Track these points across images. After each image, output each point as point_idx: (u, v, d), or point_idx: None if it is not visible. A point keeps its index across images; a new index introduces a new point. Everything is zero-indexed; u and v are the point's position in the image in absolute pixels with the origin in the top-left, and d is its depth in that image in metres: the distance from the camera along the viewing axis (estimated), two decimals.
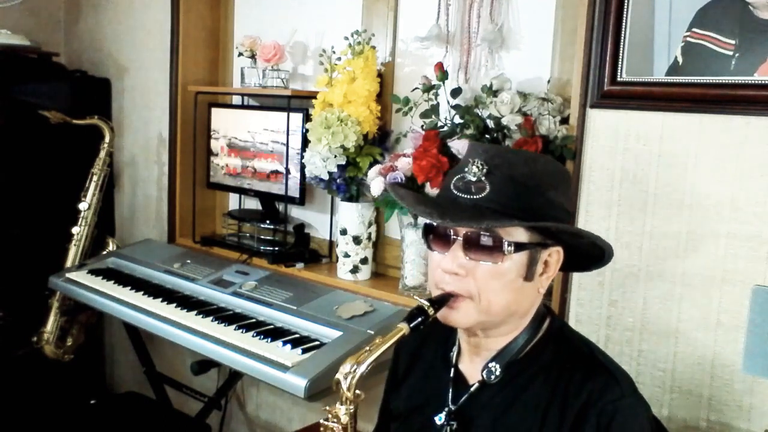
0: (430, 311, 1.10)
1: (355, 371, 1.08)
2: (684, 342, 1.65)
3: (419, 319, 1.10)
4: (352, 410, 1.09)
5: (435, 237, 1.15)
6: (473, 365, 1.21)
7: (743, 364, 1.45)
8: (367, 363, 1.08)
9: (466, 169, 1.12)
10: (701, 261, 1.62)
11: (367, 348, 1.09)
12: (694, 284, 1.63)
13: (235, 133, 2.76)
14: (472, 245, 1.11)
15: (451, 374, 1.24)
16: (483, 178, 1.10)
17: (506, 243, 1.09)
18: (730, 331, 1.58)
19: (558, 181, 1.15)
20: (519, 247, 1.10)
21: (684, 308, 1.65)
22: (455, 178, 1.14)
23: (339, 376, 1.09)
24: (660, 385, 1.68)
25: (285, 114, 2.50)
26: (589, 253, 1.23)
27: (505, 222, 1.07)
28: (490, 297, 1.11)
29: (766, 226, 1.53)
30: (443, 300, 1.12)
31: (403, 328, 1.10)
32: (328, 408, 1.11)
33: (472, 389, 1.19)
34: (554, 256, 1.17)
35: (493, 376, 1.16)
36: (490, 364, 1.17)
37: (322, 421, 1.12)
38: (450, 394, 1.22)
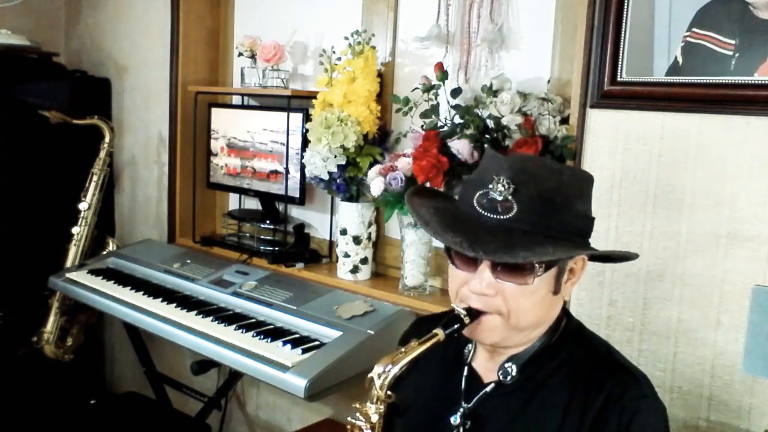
0: (466, 320, 1.10)
1: (389, 371, 1.07)
2: (684, 342, 1.66)
3: (455, 327, 1.09)
4: (382, 410, 1.09)
5: (460, 254, 1.12)
6: (488, 364, 1.20)
7: (743, 364, 1.45)
8: (402, 364, 1.07)
9: (491, 186, 1.08)
10: (701, 261, 1.62)
11: (403, 350, 1.09)
12: (694, 284, 1.63)
13: (234, 133, 2.76)
14: (502, 267, 1.08)
15: (465, 372, 1.23)
16: (510, 197, 1.06)
17: (537, 264, 1.08)
18: (730, 331, 1.59)
19: (582, 189, 1.15)
20: (549, 264, 1.10)
21: (684, 308, 1.65)
22: (478, 194, 1.10)
23: (373, 374, 1.08)
24: (660, 385, 1.68)
25: (285, 114, 2.50)
26: (611, 257, 1.24)
27: (539, 252, 1.04)
28: (519, 315, 1.11)
29: (766, 226, 1.53)
30: (479, 312, 1.11)
31: (439, 333, 1.09)
32: (358, 405, 1.11)
33: (488, 389, 1.18)
34: (579, 263, 1.17)
35: (509, 377, 1.16)
36: (506, 365, 1.17)
37: (349, 419, 1.11)
38: (463, 392, 1.21)
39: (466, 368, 1.23)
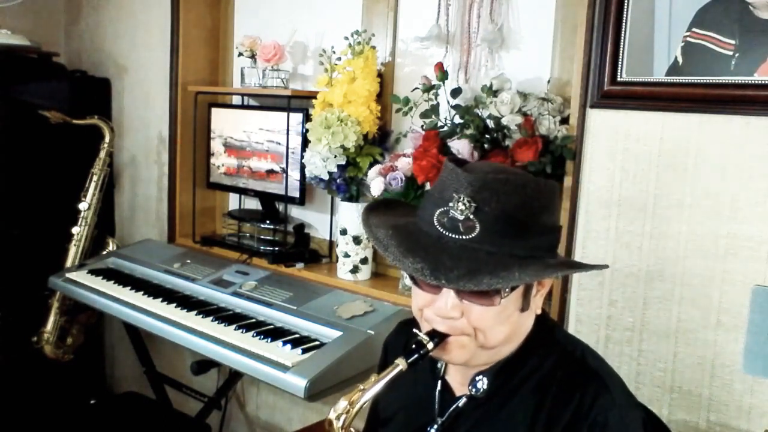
0: (429, 345, 1.06)
1: (349, 411, 1.03)
2: (684, 342, 1.65)
3: (417, 354, 1.05)
4: None
5: None
6: (458, 376, 1.18)
7: (743, 364, 1.46)
8: (361, 402, 1.03)
9: (451, 204, 1.02)
10: (701, 261, 1.62)
11: (361, 387, 1.04)
12: (694, 284, 1.63)
13: (234, 133, 2.76)
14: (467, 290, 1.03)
15: (438, 386, 1.20)
16: (471, 216, 1.01)
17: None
18: (730, 331, 1.58)
19: (548, 201, 1.08)
20: (515, 285, 1.05)
21: (684, 308, 1.65)
22: (438, 212, 1.04)
23: (332, 416, 1.03)
24: (660, 385, 1.68)
25: (285, 114, 2.50)
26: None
27: (504, 277, 0.99)
28: (487, 334, 1.06)
29: (766, 226, 1.53)
30: (443, 335, 1.07)
31: (401, 363, 1.05)
32: None
33: (460, 403, 1.16)
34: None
35: (480, 391, 1.13)
36: (477, 378, 1.13)
37: None
38: (436, 406, 1.19)
39: (439, 382, 1.20)
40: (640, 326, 1.72)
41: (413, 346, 1.06)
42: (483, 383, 1.13)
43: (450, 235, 1.03)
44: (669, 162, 1.65)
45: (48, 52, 3.13)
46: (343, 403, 1.03)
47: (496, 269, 0.99)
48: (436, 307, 1.06)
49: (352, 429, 1.04)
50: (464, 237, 1.02)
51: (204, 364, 2.12)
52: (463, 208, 1.01)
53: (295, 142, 2.50)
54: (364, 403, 1.04)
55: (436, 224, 1.04)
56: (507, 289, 1.04)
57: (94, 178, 2.93)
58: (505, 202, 1.02)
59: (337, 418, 1.03)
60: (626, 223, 1.72)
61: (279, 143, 2.56)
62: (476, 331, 1.06)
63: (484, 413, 1.13)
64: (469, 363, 1.12)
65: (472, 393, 1.14)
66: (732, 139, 1.56)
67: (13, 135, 2.93)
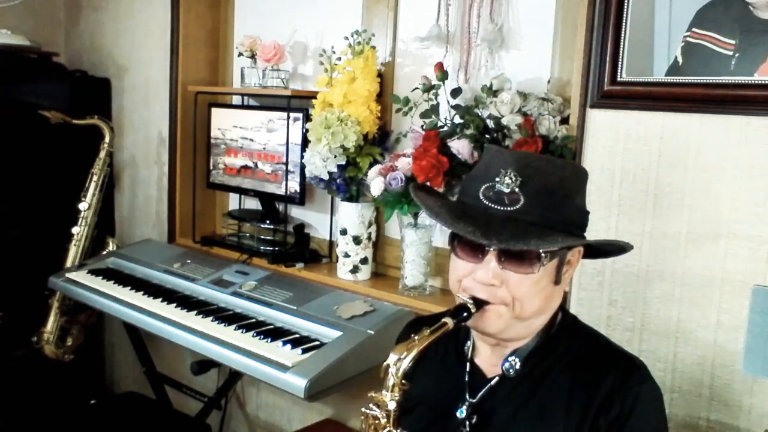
0: (473, 309, 1.12)
1: (404, 358, 1.09)
2: (684, 342, 1.66)
3: (462, 316, 1.12)
4: (398, 398, 1.10)
5: (465, 245, 1.14)
6: (491, 359, 1.23)
7: (743, 364, 1.45)
8: (416, 351, 1.09)
9: (498, 179, 1.11)
10: (701, 261, 1.62)
11: (416, 338, 1.11)
12: (694, 284, 1.63)
13: (234, 133, 2.76)
14: (508, 257, 1.11)
15: (467, 368, 1.25)
16: (517, 190, 1.10)
17: (543, 253, 1.11)
18: (730, 331, 1.59)
19: (581, 185, 1.19)
20: (553, 254, 1.13)
21: (684, 308, 1.65)
22: (484, 187, 1.13)
23: (389, 362, 1.09)
24: (660, 385, 1.67)
25: (285, 114, 2.50)
26: (605, 250, 1.28)
27: (549, 240, 1.07)
28: (524, 304, 1.13)
29: (766, 226, 1.53)
30: (483, 301, 1.13)
31: (449, 322, 1.11)
32: (373, 394, 1.11)
33: (492, 383, 1.20)
34: (576, 254, 1.21)
35: (513, 370, 1.18)
36: (510, 358, 1.19)
37: (363, 409, 1.12)
38: (467, 388, 1.22)
39: (468, 364, 1.25)
40: (640, 326, 1.72)
41: (459, 308, 1.13)
42: (516, 363, 1.18)
43: (495, 206, 1.11)
44: (669, 162, 1.65)
45: (48, 52, 3.13)
46: (399, 352, 1.09)
47: (541, 234, 1.08)
48: (478, 276, 1.13)
49: (403, 380, 1.10)
50: (509, 208, 1.10)
51: (204, 364, 2.12)
52: (509, 181, 1.10)
53: (295, 141, 2.50)
54: (418, 354, 1.09)
55: (481, 197, 1.13)
56: (546, 258, 1.11)
57: (94, 178, 2.93)
58: (546, 178, 1.11)
59: (394, 364, 1.09)
60: (626, 223, 1.72)
61: (279, 143, 2.56)
62: (514, 301, 1.13)
63: (518, 393, 1.18)
64: (503, 334, 1.17)
65: (505, 373, 1.19)
66: (732, 139, 1.56)
67: (13, 135, 2.93)
